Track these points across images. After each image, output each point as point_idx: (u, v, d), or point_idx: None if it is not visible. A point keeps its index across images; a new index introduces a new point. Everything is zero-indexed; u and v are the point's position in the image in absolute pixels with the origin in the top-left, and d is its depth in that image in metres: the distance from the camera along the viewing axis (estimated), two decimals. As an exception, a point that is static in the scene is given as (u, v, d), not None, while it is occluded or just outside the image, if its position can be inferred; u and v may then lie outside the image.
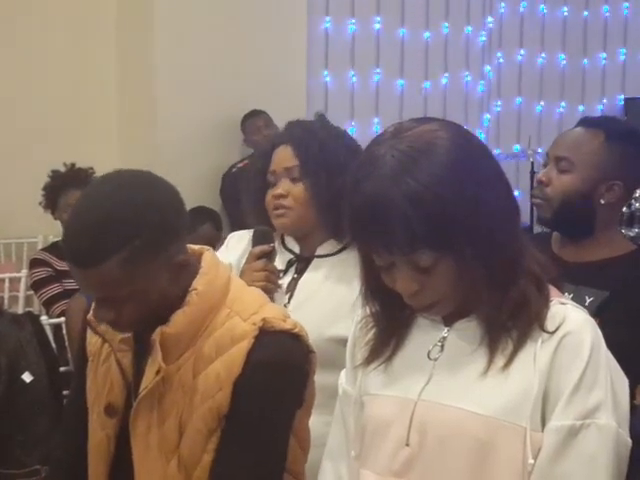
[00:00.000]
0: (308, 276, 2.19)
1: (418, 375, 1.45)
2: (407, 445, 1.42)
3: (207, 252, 1.67)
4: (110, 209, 1.50)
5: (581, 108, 7.25)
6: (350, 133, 2.37)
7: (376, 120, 6.32)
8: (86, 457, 1.71)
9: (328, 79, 6.36)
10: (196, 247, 1.69)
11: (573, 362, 1.36)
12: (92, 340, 1.73)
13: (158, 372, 1.57)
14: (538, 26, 7.21)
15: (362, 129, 6.16)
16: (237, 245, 2.28)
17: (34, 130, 5.67)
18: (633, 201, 4.76)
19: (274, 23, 5.94)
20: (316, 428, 1.72)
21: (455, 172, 1.35)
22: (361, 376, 1.53)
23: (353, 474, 1.53)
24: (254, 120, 5.79)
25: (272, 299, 2.10)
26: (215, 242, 4.29)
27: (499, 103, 7.13)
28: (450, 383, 1.42)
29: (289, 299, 2.17)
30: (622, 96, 7.41)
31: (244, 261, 2.18)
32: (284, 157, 2.18)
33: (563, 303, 1.43)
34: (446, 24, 6.73)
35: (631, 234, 4.60)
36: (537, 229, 2.95)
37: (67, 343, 3.70)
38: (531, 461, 1.35)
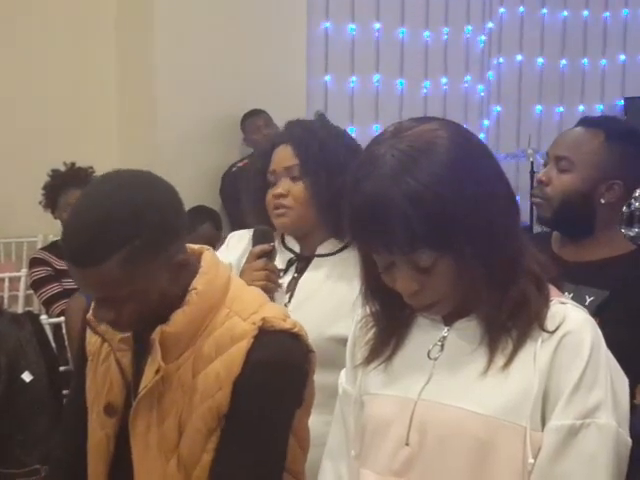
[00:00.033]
0: (308, 275, 2.19)
1: (418, 375, 1.45)
2: (407, 445, 1.42)
3: (207, 252, 1.67)
4: (110, 209, 1.50)
5: (581, 110, 7.24)
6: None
7: (376, 125, 6.30)
8: (85, 456, 1.71)
9: (328, 78, 6.35)
10: (196, 247, 1.68)
11: (573, 362, 1.36)
12: (91, 339, 1.73)
13: (157, 371, 1.57)
14: (538, 29, 7.22)
15: (362, 132, 6.15)
16: (237, 244, 2.28)
17: (34, 130, 5.67)
18: (633, 201, 4.75)
19: (274, 23, 5.94)
20: (316, 428, 1.72)
21: (455, 171, 1.35)
22: (361, 375, 1.53)
23: (353, 474, 1.53)
24: (254, 119, 5.79)
25: (272, 298, 2.10)
26: (215, 241, 4.29)
27: (498, 108, 7.13)
28: (450, 383, 1.42)
29: (289, 298, 2.17)
30: (622, 101, 7.40)
31: (244, 260, 2.18)
32: (284, 156, 2.18)
33: (563, 303, 1.43)
34: (446, 29, 6.73)
35: (631, 234, 4.60)
36: (537, 229, 2.95)
37: (67, 342, 3.70)
38: (531, 461, 1.35)
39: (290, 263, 2.23)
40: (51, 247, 4.46)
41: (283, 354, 1.58)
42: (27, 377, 2.71)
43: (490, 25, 6.98)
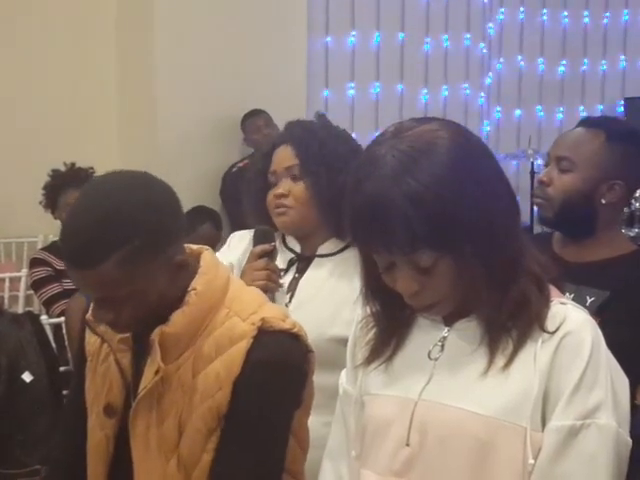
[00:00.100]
0: (310, 274, 2.19)
1: (418, 375, 1.45)
2: (407, 445, 1.42)
3: (206, 252, 1.67)
4: (108, 210, 1.50)
5: (581, 113, 7.24)
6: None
7: (376, 132, 6.30)
8: (85, 457, 1.71)
9: (328, 91, 6.36)
10: (195, 247, 1.68)
11: (573, 362, 1.36)
12: (91, 340, 1.73)
13: (157, 372, 1.57)
14: (538, 32, 7.22)
15: (362, 141, 6.14)
16: (238, 245, 2.28)
17: (34, 130, 5.67)
18: (633, 201, 4.76)
19: (274, 23, 5.93)
20: (316, 429, 1.72)
21: (455, 172, 1.35)
22: (362, 376, 1.53)
23: (353, 474, 1.53)
24: (254, 119, 5.78)
25: (273, 298, 2.10)
26: (215, 242, 4.30)
27: (499, 110, 7.13)
28: (450, 383, 1.42)
29: (290, 298, 2.17)
30: (622, 103, 7.39)
31: (245, 260, 2.18)
32: (284, 157, 2.18)
33: (563, 303, 1.43)
34: (446, 36, 6.73)
35: (631, 234, 4.61)
36: (537, 229, 2.95)
37: (67, 343, 3.70)
38: (531, 461, 1.35)
39: (291, 263, 2.23)
40: (51, 247, 4.46)
41: (282, 354, 1.58)
42: (27, 377, 2.71)
43: (490, 26, 6.98)
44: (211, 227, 4.85)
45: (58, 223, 4.30)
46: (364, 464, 1.50)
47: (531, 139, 6.59)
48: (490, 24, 6.98)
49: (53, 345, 3.30)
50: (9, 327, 2.79)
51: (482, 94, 6.94)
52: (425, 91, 6.70)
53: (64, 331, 3.75)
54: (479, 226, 1.35)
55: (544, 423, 1.36)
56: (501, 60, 7.12)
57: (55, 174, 4.37)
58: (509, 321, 1.39)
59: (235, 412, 1.56)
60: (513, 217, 1.43)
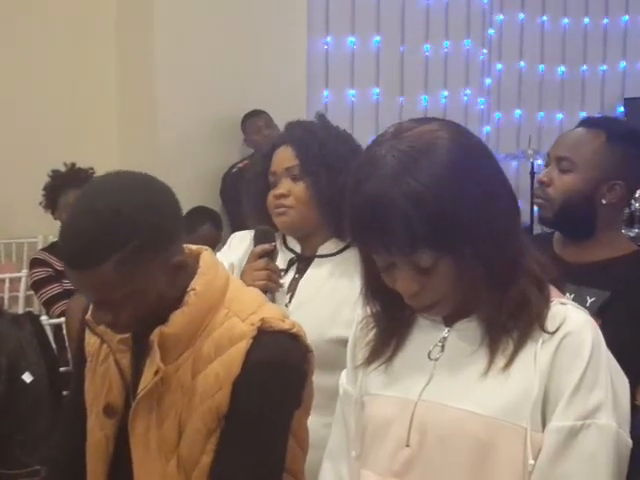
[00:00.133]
0: (311, 273, 2.19)
1: (419, 375, 1.45)
2: (407, 445, 1.42)
3: (205, 252, 1.67)
4: (107, 211, 1.49)
5: (581, 116, 7.23)
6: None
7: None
8: (84, 457, 1.71)
9: (327, 92, 6.35)
10: (194, 247, 1.68)
11: (573, 362, 1.36)
12: (90, 340, 1.73)
13: (157, 372, 1.57)
14: (538, 36, 7.22)
15: (362, 144, 6.13)
16: (239, 245, 2.28)
17: (34, 130, 5.67)
18: (633, 201, 4.76)
19: (274, 23, 5.93)
20: (316, 429, 1.72)
21: (455, 172, 1.35)
22: (362, 376, 1.53)
23: (354, 474, 1.53)
24: (254, 120, 5.78)
25: (273, 299, 2.10)
26: (215, 242, 4.30)
27: (499, 114, 7.13)
28: (451, 383, 1.42)
29: (290, 299, 2.17)
30: (622, 108, 7.40)
31: (246, 261, 2.18)
32: (284, 157, 2.18)
33: (563, 303, 1.43)
34: (447, 42, 6.73)
35: (631, 234, 4.61)
36: (538, 229, 2.95)
37: (67, 343, 3.70)
38: (531, 461, 1.35)
39: (291, 263, 2.23)
40: (51, 248, 4.46)
41: (282, 354, 1.58)
42: (27, 378, 2.71)
43: (491, 32, 6.98)
44: (211, 227, 4.86)
45: (58, 224, 4.29)
46: (364, 464, 1.50)
47: (531, 139, 6.59)
48: (491, 30, 6.98)
49: (53, 346, 3.30)
50: (9, 328, 2.79)
51: (482, 100, 6.94)
52: (425, 97, 6.70)
53: (64, 331, 3.75)
54: (479, 226, 1.35)
55: (544, 423, 1.36)
56: (501, 63, 7.12)
57: (55, 174, 4.37)
58: (509, 321, 1.39)
59: (235, 412, 1.56)
60: (513, 217, 1.43)
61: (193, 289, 1.59)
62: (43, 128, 5.68)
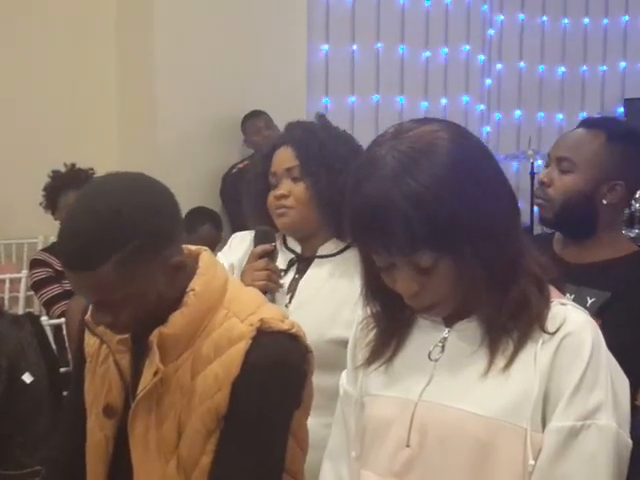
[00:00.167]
0: (311, 273, 2.19)
1: (419, 376, 1.45)
2: (407, 446, 1.42)
3: (204, 253, 1.67)
4: (105, 212, 1.49)
5: (581, 117, 7.23)
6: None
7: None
8: (83, 457, 1.71)
9: (327, 100, 6.35)
10: (193, 248, 1.68)
11: (573, 363, 1.36)
12: (90, 341, 1.73)
13: (156, 373, 1.57)
14: (538, 37, 7.22)
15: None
16: (240, 245, 2.29)
17: (34, 130, 5.67)
18: (633, 202, 4.76)
19: (274, 23, 5.93)
20: (316, 430, 1.72)
21: (455, 172, 1.35)
22: (362, 377, 1.53)
23: (354, 475, 1.53)
24: (254, 121, 5.78)
25: (273, 299, 2.10)
26: (215, 243, 4.30)
27: (499, 116, 7.13)
28: (451, 384, 1.42)
29: (290, 299, 2.17)
30: (622, 108, 7.40)
31: (246, 261, 2.18)
32: (284, 158, 2.18)
33: (563, 304, 1.43)
34: (445, 49, 6.73)
35: (631, 235, 4.61)
36: (538, 230, 2.95)
37: (67, 344, 3.70)
38: (531, 462, 1.35)
39: (291, 263, 2.23)
40: (51, 248, 4.46)
41: (281, 355, 1.58)
42: (27, 378, 2.70)
43: (490, 33, 6.97)
44: (211, 228, 4.86)
45: (58, 224, 4.29)
46: (364, 465, 1.50)
47: (531, 140, 6.59)
48: (490, 30, 6.98)
49: (53, 346, 3.30)
50: (9, 328, 2.78)
51: (482, 105, 6.94)
52: (425, 104, 6.70)
53: (64, 332, 3.75)
54: (479, 227, 1.35)
55: (544, 424, 1.36)
56: (501, 64, 7.12)
57: (55, 175, 4.37)
58: (509, 322, 1.39)
59: (234, 413, 1.56)
60: (513, 218, 1.43)
61: (192, 290, 1.59)
62: (43, 128, 5.68)
